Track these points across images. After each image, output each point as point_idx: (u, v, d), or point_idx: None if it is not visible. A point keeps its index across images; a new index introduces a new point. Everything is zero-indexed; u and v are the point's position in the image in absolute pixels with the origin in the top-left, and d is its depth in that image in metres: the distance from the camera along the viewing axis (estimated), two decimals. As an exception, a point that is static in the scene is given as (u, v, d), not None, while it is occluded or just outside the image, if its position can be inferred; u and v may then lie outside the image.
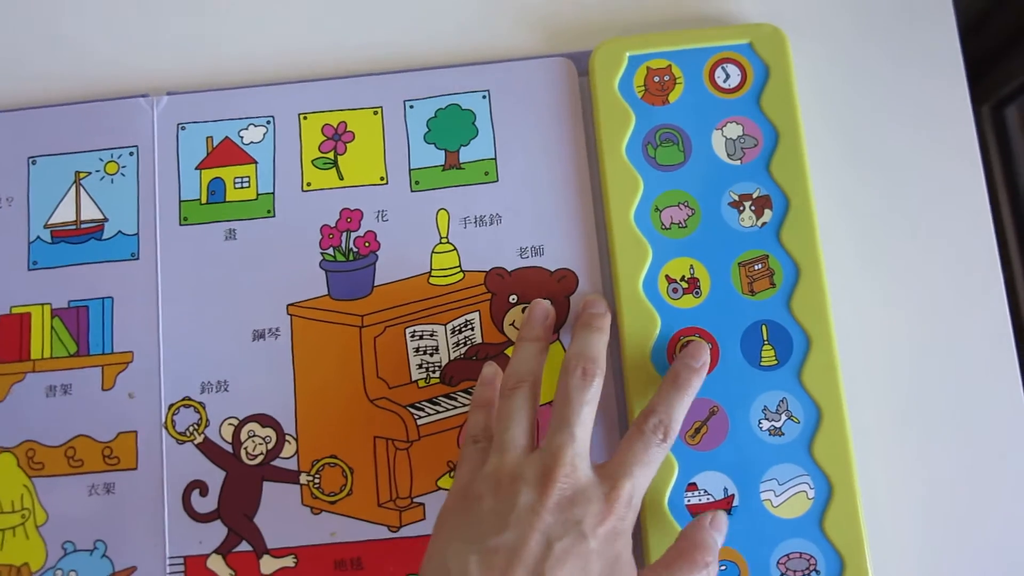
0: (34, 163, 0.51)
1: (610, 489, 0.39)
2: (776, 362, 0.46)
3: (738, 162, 0.48)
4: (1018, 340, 0.48)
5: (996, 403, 0.47)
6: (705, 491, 0.45)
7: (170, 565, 0.46)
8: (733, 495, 0.44)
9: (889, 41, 0.51)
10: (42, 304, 0.50)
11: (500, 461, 0.40)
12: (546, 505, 0.38)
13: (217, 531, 0.47)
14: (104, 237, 0.50)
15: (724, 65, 0.49)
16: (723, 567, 0.44)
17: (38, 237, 0.50)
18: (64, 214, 0.51)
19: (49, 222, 0.50)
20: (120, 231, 0.50)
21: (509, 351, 0.47)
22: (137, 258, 0.50)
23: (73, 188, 0.51)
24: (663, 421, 0.41)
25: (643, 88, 0.49)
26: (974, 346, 0.48)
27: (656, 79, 0.49)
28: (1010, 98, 0.82)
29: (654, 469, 0.41)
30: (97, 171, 0.51)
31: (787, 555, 0.44)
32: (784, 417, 0.45)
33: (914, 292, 0.48)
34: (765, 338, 0.46)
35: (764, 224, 0.47)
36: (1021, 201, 0.79)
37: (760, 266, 0.47)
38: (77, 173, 0.51)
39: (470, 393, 0.47)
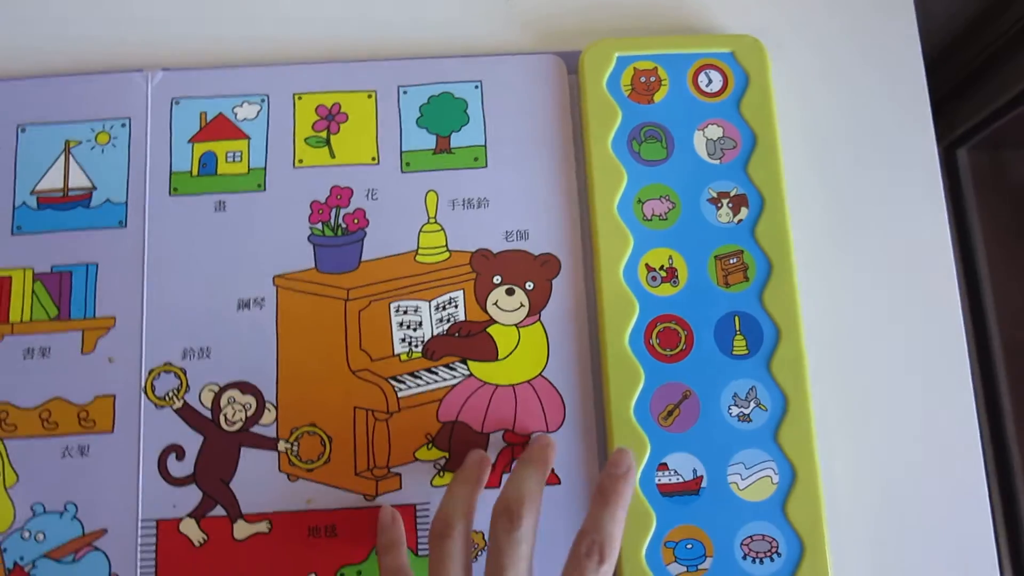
0: (23, 131, 0.52)
1: None
2: (747, 352, 0.47)
3: (718, 161, 0.50)
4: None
5: (949, 398, 0.49)
6: (675, 471, 0.46)
7: (142, 528, 0.46)
8: (702, 476, 0.46)
9: (860, 59, 0.54)
10: (24, 268, 0.50)
11: None
12: None
13: (192, 495, 0.47)
14: (92, 205, 0.51)
15: (707, 71, 0.52)
16: (689, 545, 0.45)
17: (23, 203, 0.50)
18: (52, 181, 0.51)
19: (36, 189, 0.51)
20: (108, 199, 0.51)
21: (490, 329, 0.49)
22: (124, 226, 0.50)
23: (62, 156, 0.51)
24: (596, 541, 0.39)
25: (630, 87, 0.51)
26: (931, 346, 0.50)
27: (643, 79, 0.51)
28: (962, 140, 0.86)
29: None
30: (88, 140, 0.51)
31: (751, 536, 0.45)
32: (753, 404, 0.47)
33: (876, 292, 0.51)
34: (737, 328, 0.48)
35: (740, 221, 0.49)
36: (969, 235, 0.83)
37: (735, 260, 0.49)
38: (67, 142, 0.51)
39: (451, 368, 0.48)
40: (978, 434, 0.48)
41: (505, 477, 0.47)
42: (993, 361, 0.79)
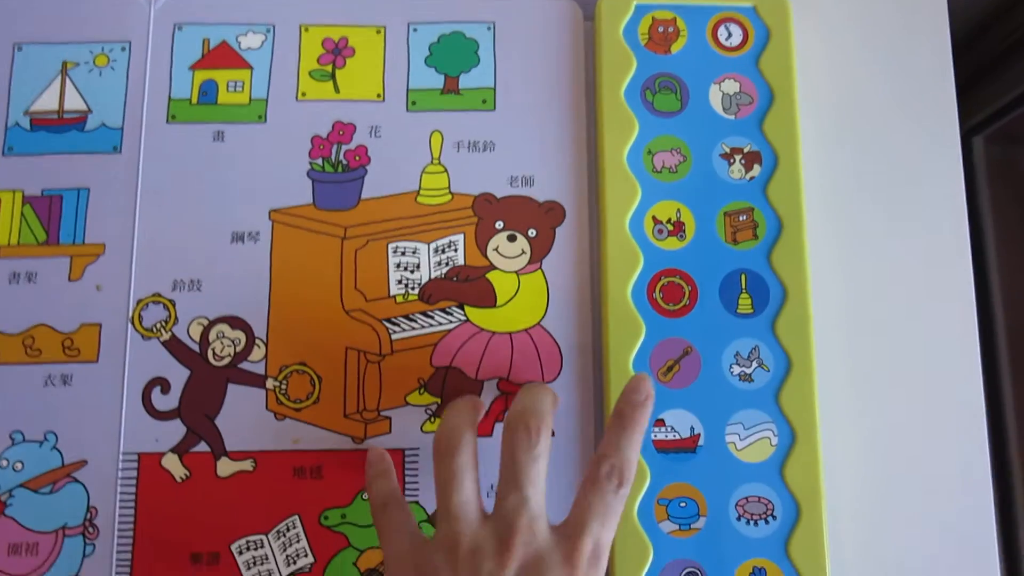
0: (19, 49, 0.50)
1: (571, 550, 0.37)
2: (752, 311, 0.46)
3: (733, 116, 0.49)
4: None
5: (954, 371, 0.48)
6: (672, 428, 0.45)
7: (123, 461, 0.45)
8: (699, 434, 0.45)
9: (886, 24, 0.53)
10: (13, 190, 0.48)
11: (452, 530, 0.38)
12: (507, 575, 0.36)
13: (175, 430, 0.46)
14: (87, 128, 0.49)
15: (727, 24, 0.50)
16: (683, 504, 0.44)
17: (16, 123, 0.49)
18: (47, 102, 0.50)
19: (30, 109, 0.49)
20: (104, 123, 0.49)
21: (490, 275, 0.47)
22: (119, 152, 0.49)
23: (59, 77, 0.50)
24: (616, 465, 0.39)
25: (647, 36, 0.50)
26: (938, 315, 0.49)
27: (660, 29, 0.50)
28: (977, 128, 0.84)
29: (615, 519, 0.39)
30: (86, 62, 0.50)
31: (746, 498, 0.44)
32: (755, 364, 0.46)
33: (886, 257, 0.50)
34: (743, 286, 0.46)
35: (752, 178, 0.48)
36: (978, 218, 0.81)
37: (745, 217, 0.47)
38: (65, 63, 0.50)
39: (448, 312, 0.47)
40: (983, 406, 0.47)
41: (498, 427, 0.46)
42: (997, 353, 0.79)
